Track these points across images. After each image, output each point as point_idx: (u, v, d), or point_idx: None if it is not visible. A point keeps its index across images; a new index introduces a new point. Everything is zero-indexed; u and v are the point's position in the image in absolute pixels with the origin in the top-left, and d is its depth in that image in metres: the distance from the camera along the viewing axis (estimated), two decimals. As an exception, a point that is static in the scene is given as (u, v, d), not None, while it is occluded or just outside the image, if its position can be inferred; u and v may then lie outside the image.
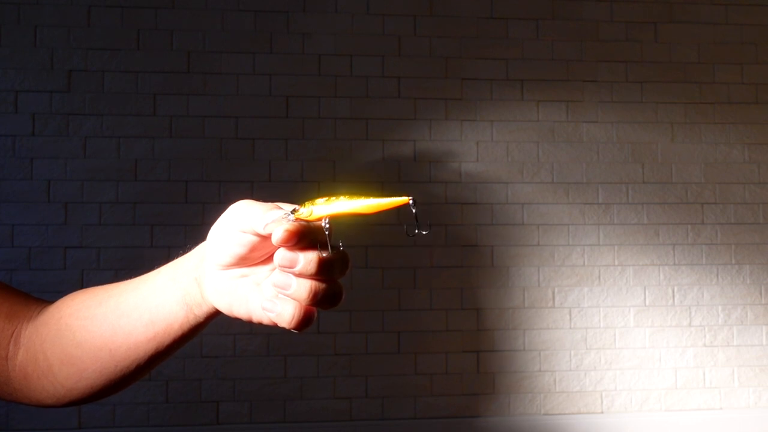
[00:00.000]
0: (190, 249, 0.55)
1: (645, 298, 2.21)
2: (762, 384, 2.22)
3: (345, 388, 2.09)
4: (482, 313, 2.16)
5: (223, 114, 2.11)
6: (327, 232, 0.46)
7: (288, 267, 0.46)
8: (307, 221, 0.47)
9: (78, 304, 0.58)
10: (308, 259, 0.46)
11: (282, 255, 0.46)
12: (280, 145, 2.12)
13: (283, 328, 0.49)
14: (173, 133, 2.09)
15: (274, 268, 0.49)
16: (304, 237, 0.45)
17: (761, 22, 2.32)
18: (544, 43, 2.24)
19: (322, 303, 0.48)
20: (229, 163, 2.11)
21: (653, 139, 2.26)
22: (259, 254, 0.49)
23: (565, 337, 2.17)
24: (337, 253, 0.47)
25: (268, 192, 2.09)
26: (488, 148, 2.20)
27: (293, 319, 0.47)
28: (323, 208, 0.46)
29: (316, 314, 0.49)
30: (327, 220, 0.46)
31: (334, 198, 0.47)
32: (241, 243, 0.48)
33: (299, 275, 0.47)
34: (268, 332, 2.04)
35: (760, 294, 2.24)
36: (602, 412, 2.17)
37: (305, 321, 0.48)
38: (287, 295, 0.47)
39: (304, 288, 0.47)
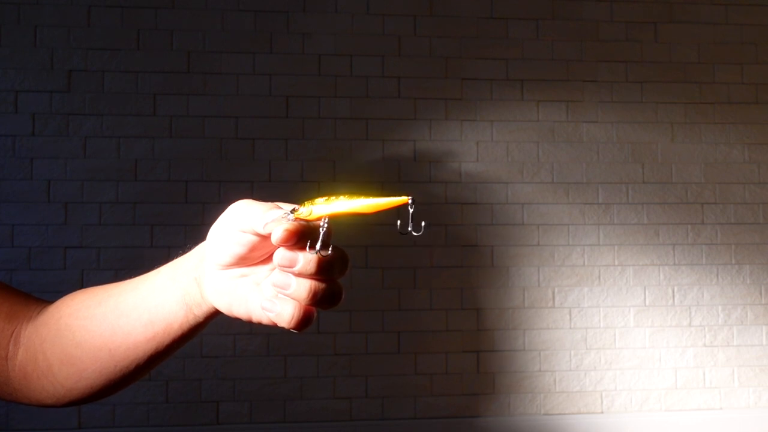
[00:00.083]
0: (189, 249, 0.55)
1: (645, 298, 2.21)
2: (762, 384, 2.22)
3: (345, 388, 2.09)
4: (482, 313, 2.16)
5: (223, 114, 2.11)
6: (324, 232, 0.46)
7: (287, 267, 0.46)
8: (306, 221, 0.47)
9: (77, 304, 0.58)
10: (308, 259, 0.46)
11: (281, 255, 0.46)
12: (280, 145, 2.12)
13: (282, 328, 0.49)
14: (173, 133, 2.09)
15: (274, 268, 0.49)
16: (304, 236, 0.45)
17: (761, 22, 2.32)
18: (544, 43, 2.24)
19: (321, 303, 0.48)
20: (229, 163, 2.11)
21: (653, 139, 2.26)
22: (258, 254, 0.49)
23: (565, 337, 2.17)
24: (336, 253, 0.47)
25: (268, 192, 2.09)
26: (488, 148, 2.20)
27: (293, 318, 0.47)
28: (323, 208, 0.46)
29: (315, 314, 0.49)
30: (326, 220, 0.46)
31: (333, 198, 0.47)
32: (241, 243, 0.48)
33: (299, 275, 0.47)
34: (268, 332, 2.04)
35: (760, 294, 2.24)
36: (602, 412, 2.17)
37: (305, 321, 0.48)
38: (287, 295, 0.47)
39: (303, 288, 0.47)
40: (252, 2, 2.14)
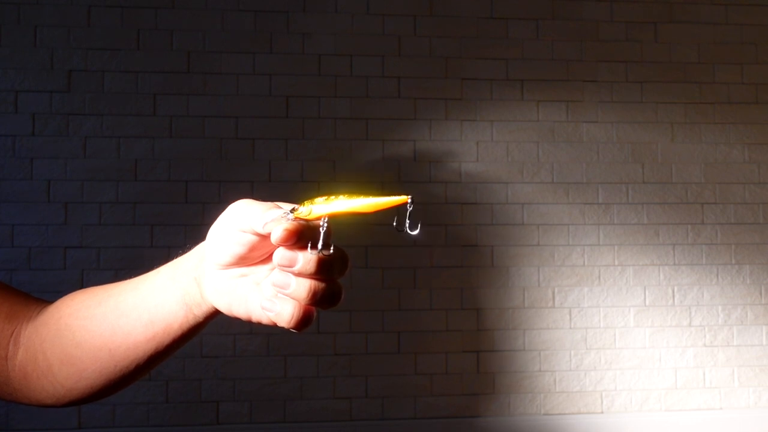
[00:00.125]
0: (189, 249, 0.55)
1: (645, 298, 2.21)
2: (762, 384, 2.22)
3: (345, 388, 2.09)
4: (482, 313, 2.16)
5: (223, 114, 2.11)
6: (324, 231, 0.46)
7: (287, 266, 0.46)
8: (306, 220, 0.47)
9: (77, 304, 0.58)
10: (307, 259, 0.46)
11: (281, 254, 0.46)
12: (280, 145, 2.12)
13: (282, 328, 0.49)
14: (173, 133, 2.09)
15: (274, 268, 0.49)
16: (304, 236, 0.45)
17: (761, 22, 2.32)
18: (544, 43, 2.24)
19: (321, 303, 0.48)
20: (229, 163, 2.11)
21: (653, 139, 2.26)
22: (258, 254, 0.49)
23: (565, 337, 2.17)
24: (336, 253, 0.47)
25: (268, 192, 2.09)
26: (488, 148, 2.20)
27: (292, 318, 0.47)
28: (322, 208, 0.46)
29: (315, 314, 0.49)
30: (325, 220, 0.46)
31: (333, 197, 0.47)
32: (241, 242, 0.48)
33: (298, 275, 0.47)
34: (268, 332, 2.04)
35: (760, 294, 2.24)
36: (602, 412, 2.17)
37: (304, 321, 0.48)
38: (286, 295, 0.47)
39: (303, 287, 0.47)
40: (252, 2, 2.14)
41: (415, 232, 0.47)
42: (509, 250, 2.18)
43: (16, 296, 0.62)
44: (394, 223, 0.48)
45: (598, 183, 2.22)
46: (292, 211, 0.46)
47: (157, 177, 2.08)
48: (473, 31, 2.22)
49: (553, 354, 2.17)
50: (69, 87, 2.06)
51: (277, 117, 2.13)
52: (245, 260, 0.49)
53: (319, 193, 0.47)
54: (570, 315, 2.18)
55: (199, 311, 0.53)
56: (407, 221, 0.47)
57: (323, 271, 0.46)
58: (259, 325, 0.51)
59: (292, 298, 0.47)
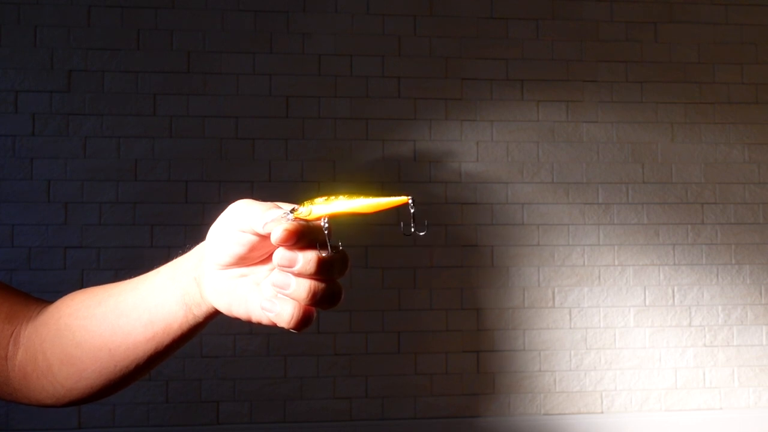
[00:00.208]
0: (189, 249, 0.55)
1: (645, 298, 2.21)
2: (762, 384, 2.22)
3: (345, 388, 2.09)
4: (482, 313, 2.16)
5: (223, 114, 2.11)
6: (326, 232, 0.46)
7: (287, 266, 0.46)
8: (306, 221, 0.47)
9: (77, 303, 0.58)
10: (307, 259, 0.46)
11: (281, 254, 0.46)
12: (280, 145, 2.12)
13: (282, 328, 0.49)
14: (173, 133, 2.09)
15: (273, 268, 0.49)
16: (304, 236, 0.45)
17: (761, 22, 2.32)
18: (544, 43, 2.24)
19: (321, 303, 0.48)
20: (229, 163, 2.11)
21: (653, 139, 2.26)
22: (258, 254, 0.49)
23: (565, 337, 2.17)
24: (336, 253, 0.47)
25: (268, 192, 2.09)
26: (488, 148, 2.20)
27: (292, 318, 0.47)
28: (322, 208, 0.46)
29: (315, 314, 0.49)
30: (326, 220, 0.46)
31: (333, 197, 0.47)
32: (241, 242, 0.48)
33: (298, 275, 0.47)
34: (268, 332, 2.04)
35: (760, 294, 2.24)
36: (602, 412, 2.17)
37: (304, 321, 0.48)
38: (286, 295, 0.47)
39: (303, 288, 0.47)
40: (252, 2, 2.14)
41: (423, 233, 0.47)
42: (509, 250, 2.18)
43: (16, 296, 0.62)
44: (401, 228, 0.48)
45: (598, 183, 2.22)
46: (292, 211, 0.46)
47: (157, 177, 2.08)
48: (473, 31, 2.22)
49: (553, 354, 2.17)
50: (69, 87, 2.06)
51: (277, 117, 2.13)
52: (245, 260, 0.49)
53: (319, 193, 0.47)
54: (570, 315, 2.18)
55: (199, 311, 0.53)
56: (412, 223, 0.47)
57: (323, 271, 0.46)
58: (259, 325, 0.51)
59: (292, 299, 0.47)
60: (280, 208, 0.47)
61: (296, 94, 2.14)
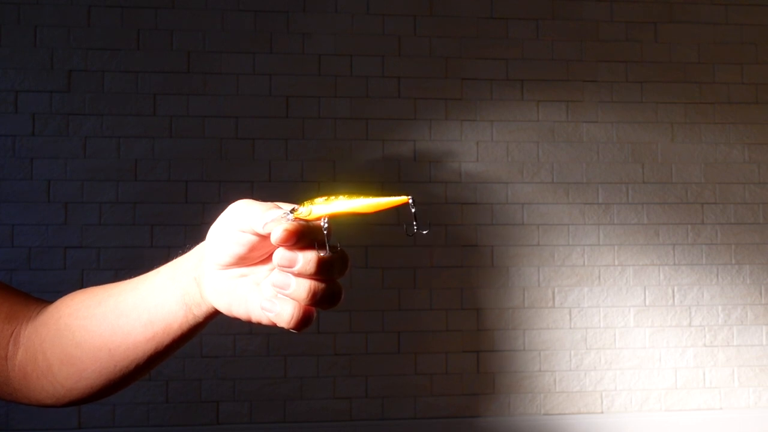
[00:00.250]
0: (189, 249, 0.55)
1: (645, 298, 2.21)
2: (762, 384, 2.22)
3: (345, 388, 2.09)
4: (482, 313, 2.16)
5: (223, 114, 2.11)
6: (326, 232, 0.46)
7: (287, 267, 0.46)
8: (306, 221, 0.47)
9: (77, 303, 0.58)
10: (307, 259, 0.46)
11: (281, 254, 0.46)
12: (280, 145, 2.12)
13: (282, 328, 0.49)
14: (173, 133, 2.09)
15: (273, 268, 0.49)
16: (304, 236, 0.45)
17: (761, 22, 2.32)
18: (544, 43, 2.24)
19: (321, 303, 0.48)
20: (229, 163, 2.11)
21: (653, 139, 2.26)
22: (258, 254, 0.49)
23: (565, 337, 2.17)
24: (336, 253, 0.47)
25: (268, 192, 2.09)
26: (488, 148, 2.20)
27: (292, 318, 0.47)
28: (322, 208, 0.46)
29: (315, 314, 0.49)
30: (326, 220, 0.46)
31: (333, 197, 0.47)
32: (240, 242, 0.48)
33: (298, 275, 0.47)
34: (268, 332, 2.04)
35: (760, 294, 2.24)
36: (602, 412, 2.17)
37: (304, 321, 0.48)
38: (286, 295, 0.47)
39: (303, 288, 0.47)
40: (252, 2, 2.14)
41: (426, 231, 0.47)
42: (509, 250, 2.18)
43: (16, 296, 0.62)
44: (404, 228, 0.48)
45: (598, 183, 2.22)
46: (292, 211, 0.46)
47: (157, 177, 2.08)
48: (473, 31, 2.22)
49: (553, 354, 2.17)
50: (69, 87, 2.06)
51: (277, 117, 2.13)
52: (245, 260, 0.49)
53: (319, 193, 0.47)
54: (570, 315, 2.18)
55: (199, 311, 0.53)
56: (415, 223, 0.47)
57: (323, 271, 0.46)
58: (259, 325, 0.51)
59: (292, 299, 0.47)
60: (280, 208, 0.47)
61: (296, 94, 2.14)
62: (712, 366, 2.21)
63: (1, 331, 0.59)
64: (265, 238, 0.46)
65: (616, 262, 2.21)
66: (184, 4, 2.12)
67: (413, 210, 0.47)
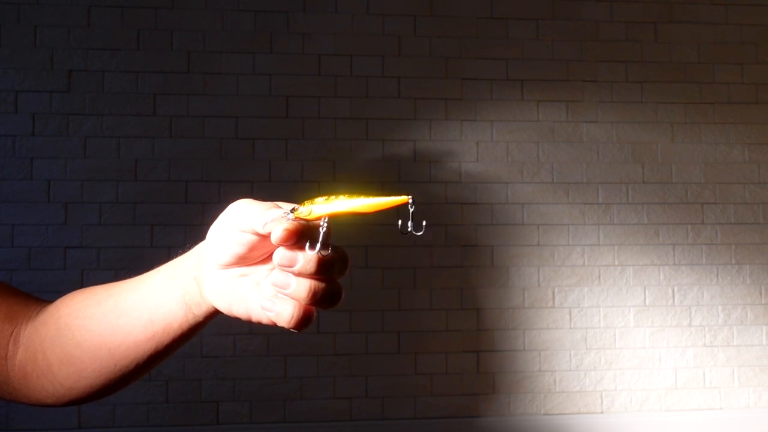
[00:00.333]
0: (189, 248, 0.55)
1: (645, 298, 2.21)
2: (762, 384, 2.22)
3: (345, 388, 2.09)
4: (482, 313, 2.16)
5: (223, 114, 2.11)
6: (324, 231, 0.46)
7: (287, 266, 0.46)
8: (306, 220, 0.47)
9: (77, 303, 0.58)
10: (307, 259, 0.46)
11: (281, 254, 0.46)
12: (280, 145, 2.12)
13: (282, 328, 0.49)
14: (173, 133, 2.09)
15: (273, 268, 0.49)
16: (304, 236, 0.45)
17: (761, 22, 2.32)
18: (544, 43, 2.24)
19: (321, 302, 0.48)
20: (229, 163, 2.11)
21: (653, 139, 2.26)
22: (258, 253, 0.49)
23: (565, 337, 2.17)
24: (336, 253, 0.47)
25: (268, 192, 2.09)
26: (488, 148, 2.20)
27: (292, 318, 0.47)
28: (323, 207, 0.46)
29: (315, 314, 0.49)
30: (326, 220, 0.46)
31: (333, 197, 0.47)
32: (241, 242, 0.48)
33: (298, 274, 0.47)
34: (268, 332, 2.04)
35: (760, 294, 2.24)
36: (602, 412, 2.17)
37: (304, 320, 0.48)
38: (286, 295, 0.47)
39: (303, 287, 0.47)
40: (252, 2, 2.14)
41: (420, 233, 0.47)
42: (509, 250, 2.18)
43: (16, 296, 0.62)
44: (399, 226, 0.48)
45: (598, 183, 2.22)
46: (292, 211, 0.46)
47: (157, 177, 2.08)
48: (473, 31, 2.22)
49: (553, 354, 2.17)
50: (69, 87, 2.06)
51: (277, 117, 2.13)
52: (245, 260, 0.49)
53: (319, 193, 0.47)
54: (570, 315, 2.18)
55: (199, 311, 0.53)
56: (410, 222, 0.47)
57: (323, 271, 0.46)
58: (259, 325, 0.51)
59: (292, 298, 0.47)
60: (281, 207, 0.47)
61: (296, 94, 2.14)
62: (712, 366, 2.21)
63: (1, 330, 0.59)
64: (265, 237, 0.46)
65: (616, 262, 2.21)
66: (184, 4, 2.12)
67: (411, 209, 0.47)
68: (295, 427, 2.06)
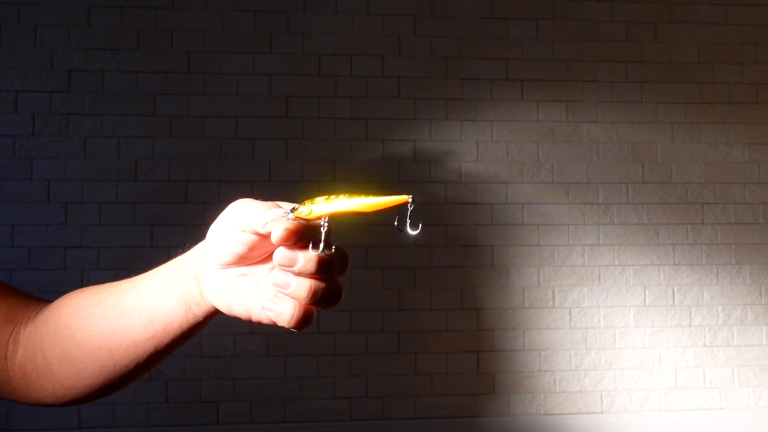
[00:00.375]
0: (189, 248, 0.55)
1: (645, 298, 2.21)
2: (762, 384, 2.22)
3: (345, 388, 2.09)
4: (482, 313, 2.16)
5: (223, 114, 2.11)
6: (325, 231, 0.46)
7: (287, 266, 0.46)
8: (306, 220, 0.47)
9: (77, 303, 0.58)
10: (308, 258, 0.46)
11: (281, 254, 0.46)
12: (280, 145, 2.12)
13: (282, 328, 0.49)
14: (173, 133, 2.09)
15: (274, 267, 0.49)
16: (304, 236, 0.45)
17: (761, 22, 2.32)
18: (544, 43, 2.24)
19: (321, 302, 0.48)
20: (229, 163, 2.11)
21: (653, 139, 2.26)
22: (258, 253, 0.49)
23: (565, 337, 2.17)
24: (336, 252, 0.47)
25: (268, 192, 2.09)
26: (488, 148, 2.20)
27: (292, 318, 0.47)
28: (323, 207, 0.46)
29: (315, 313, 0.49)
30: (326, 219, 0.46)
31: (333, 197, 0.47)
32: (241, 242, 0.48)
33: (299, 274, 0.47)
34: (268, 332, 2.04)
35: (760, 294, 2.24)
36: (602, 412, 2.16)
37: (305, 320, 0.48)
38: (287, 294, 0.47)
39: (303, 287, 0.47)
40: (252, 2, 2.14)
41: (416, 233, 0.47)
42: (509, 250, 2.18)
43: (16, 295, 0.62)
44: (395, 224, 0.48)
45: (598, 183, 2.22)
46: (293, 210, 0.46)
47: (157, 177, 2.08)
48: (473, 31, 2.22)
49: (553, 354, 2.17)
50: (69, 87, 2.06)
51: (277, 117, 2.13)
52: (245, 260, 0.49)
53: (319, 193, 0.47)
54: (570, 315, 2.18)
55: (199, 310, 0.53)
56: (408, 221, 0.47)
57: (323, 270, 0.46)
58: (259, 324, 0.51)
59: (293, 298, 0.47)
60: (281, 207, 0.47)
61: (296, 94, 2.14)
62: (712, 366, 2.21)
63: (1, 330, 0.59)
64: (265, 237, 0.46)
65: (616, 262, 2.21)
66: (184, 4, 2.12)
67: (410, 209, 0.47)
68: (295, 427, 2.06)
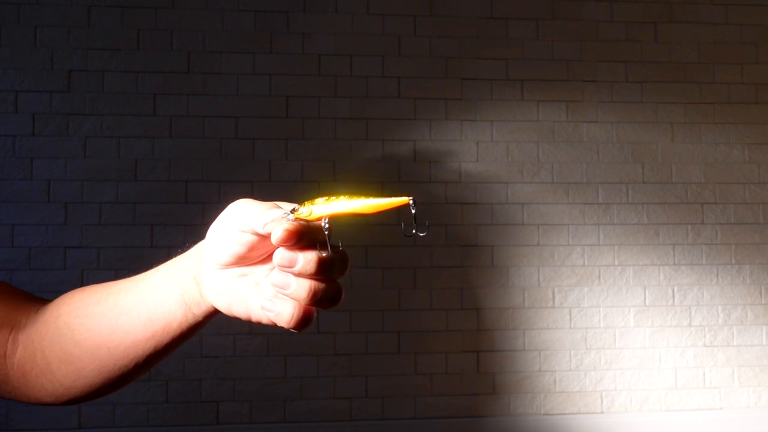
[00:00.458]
0: (188, 248, 0.55)
1: (645, 298, 2.21)
2: (762, 384, 2.22)
3: (345, 388, 2.09)
4: (482, 313, 2.16)
5: (223, 114, 2.11)
6: (326, 232, 0.46)
7: (287, 266, 0.46)
8: (306, 221, 0.46)
9: (77, 302, 0.58)
10: (308, 259, 0.46)
11: (281, 254, 0.46)
12: (280, 145, 2.12)
13: (282, 328, 0.49)
14: (173, 133, 2.09)
15: (273, 268, 0.49)
16: (304, 236, 0.45)
17: (761, 22, 2.32)
18: (544, 43, 2.24)
19: (321, 303, 0.48)
20: (229, 163, 2.11)
21: (653, 139, 2.26)
22: (258, 253, 0.49)
23: (565, 337, 2.17)
24: (336, 253, 0.47)
25: (268, 192, 2.09)
26: (488, 148, 2.20)
27: (292, 318, 0.47)
28: (323, 208, 0.46)
29: (315, 314, 0.49)
30: (326, 220, 0.46)
31: (333, 198, 0.47)
32: (240, 242, 0.48)
33: (298, 275, 0.46)
34: (268, 332, 2.04)
35: (760, 294, 2.24)
36: (602, 412, 2.17)
37: (304, 321, 0.48)
38: (286, 295, 0.47)
39: (303, 288, 0.47)
40: (252, 2, 2.14)
41: (424, 233, 0.47)
42: (509, 250, 2.18)
43: (16, 295, 0.62)
44: (402, 228, 0.48)
45: (598, 183, 2.22)
46: (293, 211, 0.46)
47: (157, 177, 2.08)
48: (473, 31, 2.22)
49: (553, 354, 2.17)
50: (69, 87, 2.06)
51: (277, 117, 2.13)
52: (245, 260, 0.49)
53: (320, 193, 0.47)
54: (570, 315, 2.18)
55: (199, 310, 0.53)
56: (414, 224, 0.47)
57: (323, 271, 0.46)
58: (259, 325, 0.51)
59: (292, 299, 0.47)
60: (281, 208, 0.47)
61: (296, 94, 2.14)
62: (712, 366, 2.21)
63: (0, 329, 0.59)
64: (265, 237, 0.46)
65: (616, 262, 2.21)
66: (184, 4, 2.12)
67: (413, 211, 0.47)
68: (295, 427, 2.06)
